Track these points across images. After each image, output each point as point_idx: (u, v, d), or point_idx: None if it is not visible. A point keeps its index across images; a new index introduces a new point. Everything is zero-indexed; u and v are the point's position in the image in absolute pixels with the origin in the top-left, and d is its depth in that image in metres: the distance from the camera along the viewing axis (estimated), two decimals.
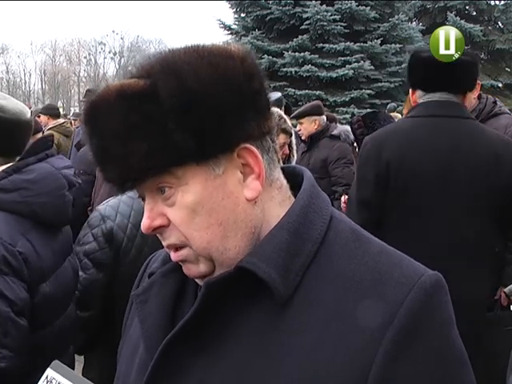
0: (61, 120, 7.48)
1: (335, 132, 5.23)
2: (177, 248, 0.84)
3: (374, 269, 0.80)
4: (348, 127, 5.69)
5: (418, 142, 2.32)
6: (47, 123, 7.31)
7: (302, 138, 5.26)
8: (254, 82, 0.82)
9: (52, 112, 7.59)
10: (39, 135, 4.13)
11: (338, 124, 6.14)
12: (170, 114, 0.77)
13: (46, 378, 1.08)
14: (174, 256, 0.85)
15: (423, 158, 2.28)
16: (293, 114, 5.55)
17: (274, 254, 0.80)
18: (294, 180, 0.90)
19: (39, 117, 7.51)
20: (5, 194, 1.67)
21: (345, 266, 0.81)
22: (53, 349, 1.78)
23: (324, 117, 5.36)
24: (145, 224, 0.83)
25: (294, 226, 0.82)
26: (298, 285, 0.80)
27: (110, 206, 2.05)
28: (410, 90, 2.47)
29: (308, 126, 5.19)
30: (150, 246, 2.06)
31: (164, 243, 0.85)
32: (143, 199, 0.85)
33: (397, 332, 0.75)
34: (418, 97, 2.41)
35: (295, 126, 6.81)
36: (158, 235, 0.85)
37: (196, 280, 0.88)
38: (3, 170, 1.70)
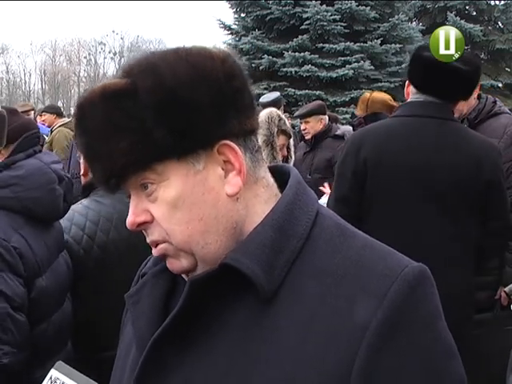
0: (66, 119, 7.49)
1: (339, 132, 5.25)
2: (157, 244, 0.86)
3: (357, 263, 0.81)
4: (350, 127, 5.72)
5: (397, 140, 2.32)
6: (54, 122, 7.34)
7: (307, 137, 5.27)
8: (234, 82, 0.85)
9: (58, 111, 7.67)
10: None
11: (339, 124, 6.16)
12: (147, 111, 0.80)
13: (50, 378, 1.08)
14: (154, 251, 0.88)
15: (401, 156, 2.29)
16: (297, 113, 5.57)
17: (257, 251, 0.82)
18: (282, 178, 0.91)
19: (41, 116, 7.52)
20: None
21: (329, 261, 0.82)
22: (49, 345, 1.79)
23: (327, 116, 5.39)
24: (129, 220, 0.86)
25: (278, 223, 0.84)
26: (283, 281, 0.82)
27: (66, 218, 2.01)
28: (407, 82, 2.47)
29: (315, 125, 5.22)
30: (109, 257, 2.04)
31: (148, 240, 0.88)
32: (129, 197, 0.87)
33: (380, 325, 0.75)
34: (410, 91, 2.42)
35: (294, 127, 6.81)
36: (143, 232, 0.88)
37: (184, 277, 0.90)
38: None
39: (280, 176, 0.92)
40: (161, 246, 0.86)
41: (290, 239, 0.83)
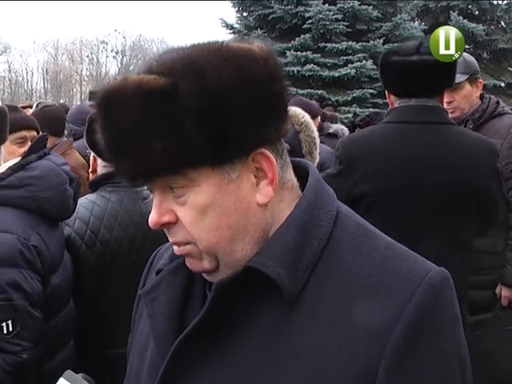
0: None
1: (331, 130, 5.24)
2: (180, 244, 0.85)
3: (381, 264, 0.80)
4: (342, 126, 5.74)
5: (391, 149, 2.22)
6: None
7: None
8: (275, 85, 0.81)
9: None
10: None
11: (338, 123, 6.16)
12: (188, 115, 0.75)
13: None
14: (177, 250, 0.85)
15: (396, 166, 2.19)
16: None
17: (281, 253, 0.81)
18: (300, 173, 0.90)
19: None
20: (13, 190, 1.74)
21: (352, 262, 0.81)
22: (58, 340, 1.85)
23: (319, 117, 5.40)
24: (152, 219, 0.82)
25: (300, 224, 0.83)
26: (306, 282, 0.81)
27: None
28: (386, 92, 2.39)
29: None
30: (112, 254, 2.03)
31: (170, 239, 0.86)
32: (151, 191, 0.85)
33: (405, 327, 0.75)
34: (394, 100, 2.33)
35: None
36: (165, 231, 0.85)
37: (203, 275, 0.88)
38: (9, 168, 1.77)
39: (298, 171, 0.90)
40: (185, 247, 0.84)
41: (312, 240, 0.82)
